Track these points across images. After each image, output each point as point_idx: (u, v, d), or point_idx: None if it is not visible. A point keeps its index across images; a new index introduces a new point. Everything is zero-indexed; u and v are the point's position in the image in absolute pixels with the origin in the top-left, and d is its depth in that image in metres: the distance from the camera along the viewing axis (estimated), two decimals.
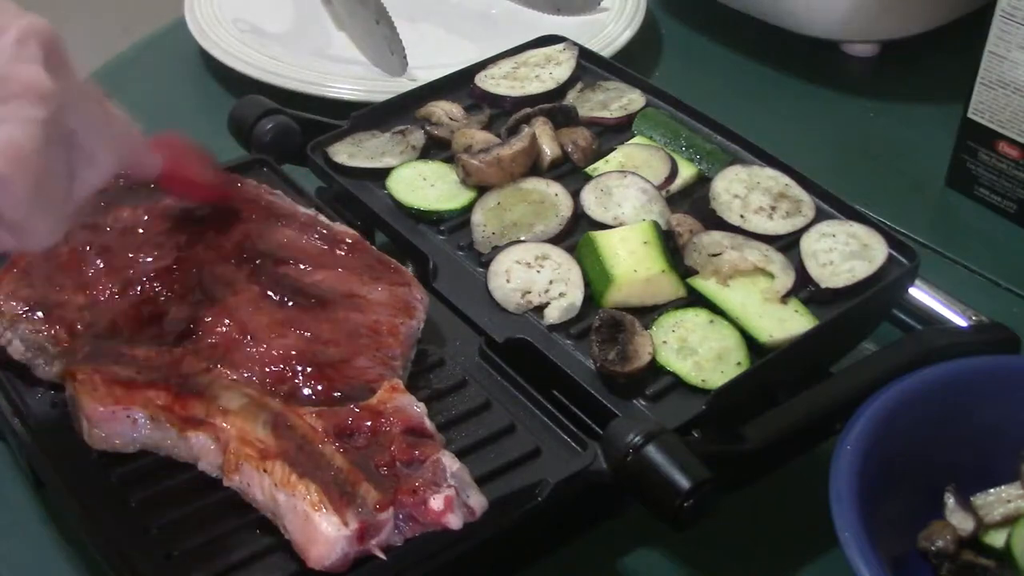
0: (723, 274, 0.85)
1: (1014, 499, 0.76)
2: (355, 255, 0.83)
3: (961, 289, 0.92)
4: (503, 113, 1.01)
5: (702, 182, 0.94)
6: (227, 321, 0.76)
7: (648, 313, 0.83)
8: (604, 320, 0.81)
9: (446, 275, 0.87)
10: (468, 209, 0.92)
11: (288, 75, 1.17)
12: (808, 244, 0.87)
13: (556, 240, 0.89)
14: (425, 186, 0.94)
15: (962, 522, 0.76)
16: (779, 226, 0.89)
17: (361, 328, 0.78)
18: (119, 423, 0.73)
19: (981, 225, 1.09)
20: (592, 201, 0.91)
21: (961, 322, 0.87)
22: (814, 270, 0.85)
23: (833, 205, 0.91)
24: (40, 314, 0.78)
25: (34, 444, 0.75)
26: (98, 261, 0.80)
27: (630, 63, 1.09)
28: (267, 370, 0.74)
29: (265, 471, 0.69)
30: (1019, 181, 1.06)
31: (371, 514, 0.66)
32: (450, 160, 0.96)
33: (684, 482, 0.68)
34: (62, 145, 0.63)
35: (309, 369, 0.74)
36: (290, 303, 0.78)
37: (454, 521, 0.67)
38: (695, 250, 0.87)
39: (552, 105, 1.00)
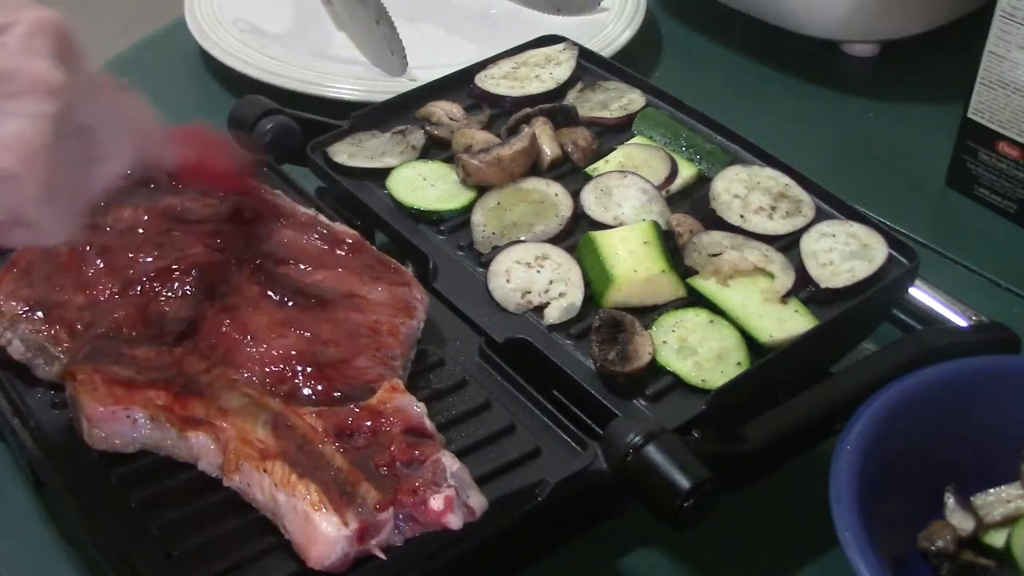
0: (723, 274, 0.85)
1: (1014, 499, 0.76)
2: (355, 255, 0.83)
3: (961, 289, 0.92)
4: (503, 113, 1.01)
5: (702, 182, 0.94)
6: (227, 321, 0.76)
7: (648, 313, 0.83)
8: (604, 320, 0.81)
9: (446, 275, 0.87)
10: (468, 209, 0.92)
11: (288, 75, 1.17)
12: (808, 244, 0.87)
13: (556, 240, 0.89)
14: (425, 186, 0.94)
15: (962, 522, 0.76)
16: (779, 226, 0.89)
17: (361, 328, 0.78)
18: (119, 423, 0.73)
19: (981, 225, 1.09)
20: (592, 201, 0.91)
21: (961, 322, 0.87)
22: (814, 270, 0.85)
23: (833, 205, 0.91)
24: (40, 314, 0.78)
25: (34, 444, 0.75)
26: (98, 261, 0.80)
27: (630, 63, 1.09)
28: (267, 370, 0.74)
29: (265, 471, 0.69)
30: (1019, 181, 1.06)
31: (371, 514, 0.66)
32: (450, 160, 0.96)
33: (684, 482, 0.68)
34: (75, 138, 0.63)
35: (309, 369, 0.74)
36: (290, 303, 0.78)
37: (454, 521, 0.67)
38: (695, 250, 0.87)
39: (552, 105, 1.00)
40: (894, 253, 0.86)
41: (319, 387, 0.73)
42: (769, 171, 0.94)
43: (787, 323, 0.82)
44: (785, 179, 0.93)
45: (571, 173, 0.96)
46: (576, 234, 0.90)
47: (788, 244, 0.88)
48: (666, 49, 1.33)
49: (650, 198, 0.91)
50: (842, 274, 0.85)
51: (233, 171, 0.81)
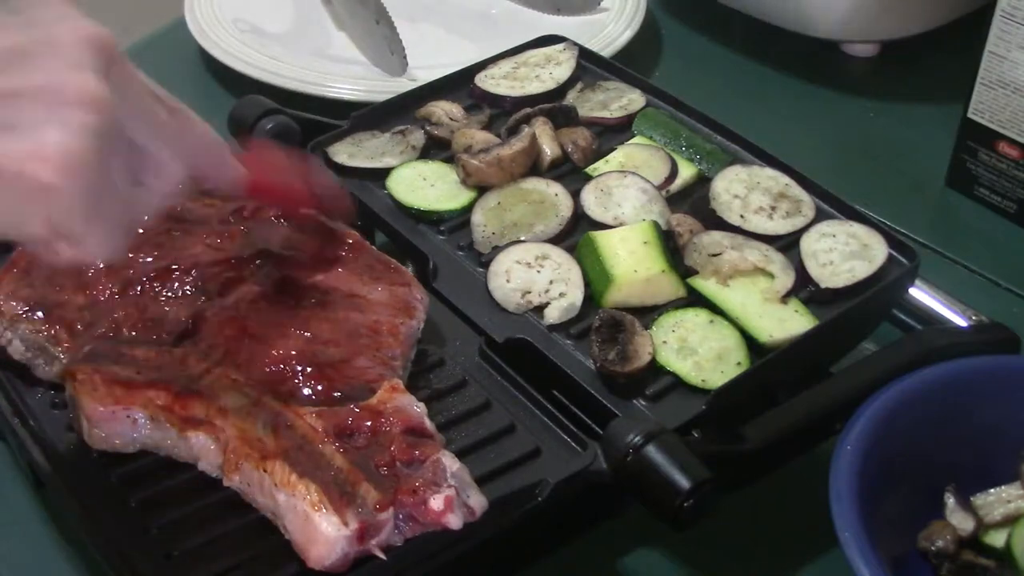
0: (723, 274, 0.85)
1: (1014, 499, 0.76)
2: (355, 255, 0.83)
3: (961, 289, 0.92)
4: (503, 113, 1.01)
5: (702, 182, 0.94)
6: (227, 321, 0.76)
7: (648, 313, 0.83)
8: (604, 320, 0.81)
9: (446, 275, 0.87)
10: (468, 209, 0.92)
11: (288, 75, 1.17)
12: (808, 244, 0.87)
13: (556, 240, 0.89)
14: (425, 186, 0.94)
15: (962, 522, 0.76)
16: (779, 226, 0.89)
17: (361, 328, 0.78)
18: (119, 423, 0.73)
19: (981, 225, 1.09)
20: (592, 201, 0.91)
21: (961, 322, 0.87)
22: (814, 270, 0.85)
23: (833, 205, 0.91)
24: (40, 314, 0.78)
25: (34, 444, 0.75)
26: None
27: (630, 63, 1.09)
28: (267, 370, 0.74)
29: (265, 471, 0.69)
30: (1019, 181, 1.06)
31: (371, 514, 0.66)
32: (450, 160, 0.96)
33: (684, 482, 0.68)
34: (121, 154, 0.61)
35: (309, 369, 0.74)
36: (290, 303, 0.78)
37: (454, 521, 0.67)
38: (695, 250, 0.87)
39: (552, 105, 1.00)
40: (894, 253, 0.86)
41: (319, 387, 0.73)
42: (769, 171, 0.94)
43: (787, 323, 0.82)
44: (785, 179, 0.93)
45: (571, 173, 0.96)
46: (576, 234, 0.90)
47: (788, 244, 0.88)
48: (666, 49, 1.33)
49: (650, 198, 0.91)
50: (842, 274, 0.85)
51: (304, 195, 0.79)
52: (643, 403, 0.78)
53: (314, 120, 1.00)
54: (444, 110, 1.01)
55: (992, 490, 0.77)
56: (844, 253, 0.86)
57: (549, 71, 1.05)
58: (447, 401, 0.79)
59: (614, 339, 0.79)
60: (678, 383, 0.79)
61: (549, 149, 0.96)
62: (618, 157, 0.96)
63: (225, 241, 0.82)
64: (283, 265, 0.81)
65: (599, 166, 0.96)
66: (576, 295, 0.84)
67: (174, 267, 0.80)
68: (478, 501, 0.69)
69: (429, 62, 1.19)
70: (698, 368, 0.79)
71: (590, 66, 1.07)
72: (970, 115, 1.07)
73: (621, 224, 0.88)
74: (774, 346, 0.80)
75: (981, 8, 1.07)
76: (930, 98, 1.24)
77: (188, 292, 0.79)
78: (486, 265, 0.87)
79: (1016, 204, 1.07)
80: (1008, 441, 0.78)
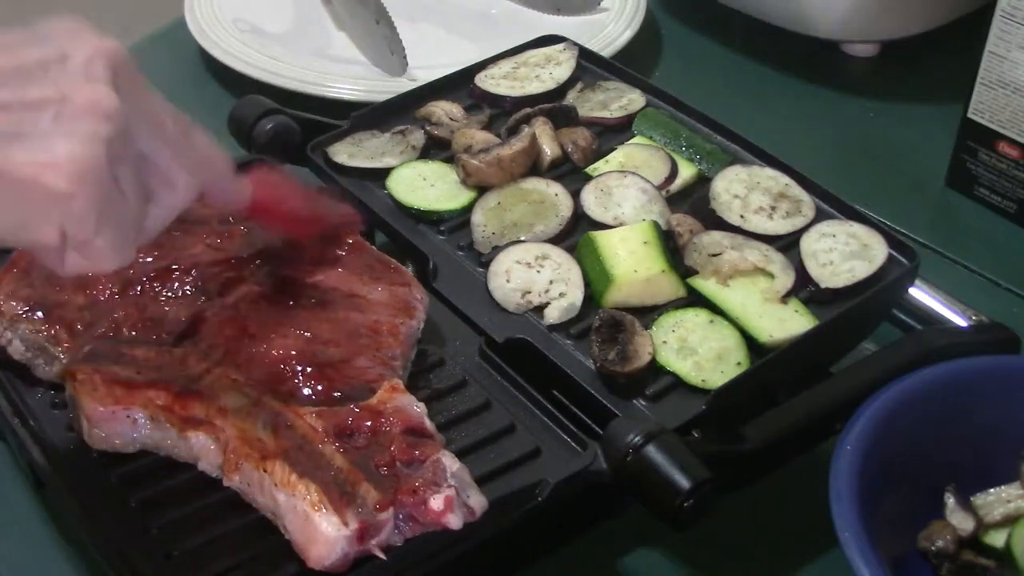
0: (723, 274, 0.85)
1: (1014, 499, 0.76)
2: (355, 255, 0.83)
3: (961, 289, 0.92)
4: (503, 113, 1.02)
5: (702, 182, 0.94)
6: (227, 321, 0.76)
7: (648, 313, 0.83)
8: (604, 320, 0.81)
9: (446, 275, 0.87)
10: (468, 209, 0.92)
11: (288, 75, 1.17)
12: (808, 244, 0.87)
13: (556, 240, 0.89)
14: (425, 186, 0.94)
15: (962, 522, 0.76)
16: (779, 226, 0.89)
17: (361, 328, 0.78)
18: (119, 423, 0.73)
19: (981, 225, 1.09)
20: (592, 201, 0.91)
21: (961, 322, 0.87)
22: (814, 270, 0.85)
23: (833, 205, 0.91)
24: (40, 314, 0.78)
25: (34, 444, 0.75)
26: None
27: (630, 63, 1.09)
28: (267, 370, 0.74)
29: (265, 471, 0.69)
30: (1019, 181, 1.06)
31: (371, 514, 0.66)
32: (450, 160, 0.96)
33: (684, 482, 0.68)
34: (132, 165, 0.62)
35: (309, 369, 0.74)
36: (290, 303, 0.78)
37: (454, 521, 0.68)
38: (695, 250, 0.87)
39: (552, 105, 1.00)
40: (894, 253, 0.86)
41: (319, 387, 0.73)
42: (769, 171, 0.94)
43: (787, 323, 0.82)
44: (785, 179, 0.93)
45: (571, 173, 0.96)
46: (576, 234, 0.90)
47: (788, 244, 0.88)
48: (666, 49, 1.33)
49: (650, 198, 0.91)
50: (842, 274, 0.85)
51: (307, 218, 0.79)
52: (643, 403, 0.78)
53: (314, 120, 1.00)
54: (444, 110, 1.01)
55: (992, 490, 0.77)
56: (844, 253, 0.86)
57: (549, 71, 1.05)
58: (447, 401, 0.79)
59: (614, 339, 0.79)
60: (678, 383, 0.79)
61: (549, 149, 0.96)
62: (618, 157, 0.96)
63: (225, 241, 0.82)
64: (283, 265, 0.81)
65: (599, 166, 0.96)
66: (576, 295, 0.84)
67: (174, 267, 0.80)
68: (478, 501, 0.69)
69: (429, 62, 1.19)
70: (698, 368, 0.79)
71: (590, 66, 1.07)
72: (970, 115, 1.07)
73: (621, 224, 0.88)
74: (774, 346, 0.80)
75: (981, 8, 1.07)
76: (930, 98, 1.24)
77: (188, 292, 0.79)
78: (486, 265, 0.87)
79: (1016, 204, 1.07)
80: (1008, 441, 0.78)
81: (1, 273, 0.80)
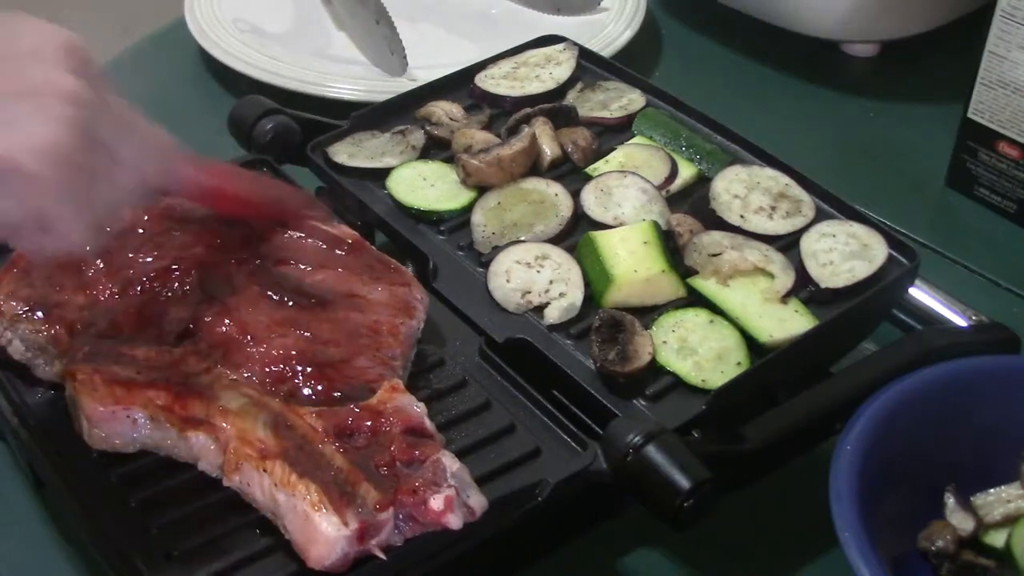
0: (723, 274, 0.85)
1: (1014, 499, 0.76)
2: (355, 255, 0.83)
3: (961, 289, 0.92)
4: (503, 113, 1.01)
5: (702, 182, 0.94)
6: (227, 321, 0.76)
7: (648, 313, 0.83)
8: (604, 320, 0.81)
9: (446, 275, 0.87)
10: (468, 209, 0.92)
11: (288, 75, 1.17)
12: (808, 244, 0.87)
13: (556, 240, 0.89)
14: (425, 186, 0.94)
15: (962, 522, 0.76)
16: (779, 226, 0.89)
17: (361, 328, 0.78)
18: (119, 423, 0.73)
19: (981, 225, 1.09)
20: (592, 201, 0.91)
21: (961, 322, 0.87)
22: (814, 270, 0.85)
23: (833, 205, 0.91)
24: (40, 314, 0.78)
25: (34, 444, 0.75)
26: (98, 261, 0.80)
27: (630, 63, 1.09)
28: (267, 370, 0.74)
29: (265, 471, 0.69)
30: (1019, 181, 1.06)
31: (371, 514, 0.66)
32: (450, 160, 0.96)
33: (684, 482, 0.68)
34: (95, 151, 0.65)
35: (309, 369, 0.74)
36: (290, 303, 0.78)
37: (454, 521, 0.68)
38: (695, 250, 0.87)
39: (552, 105, 1.00)
40: (894, 253, 0.86)
41: (319, 387, 0.73)
42: (769, 171, 0.94)
43: (787, 323, 0.82)
44: (785, 179, 0.93)
45: (571, 173, 0.96)
46: (576, 234, 0.90)
47: (788, 244, 0.88)
48: (666, 49, 1.33)
49: (650, 198, 0.91)
50: (842, 274, 0.85)
51: (257, 196, 0.81)
52: (643, 403, 0.78)
53: (314, 120, 1.00)
54: (444, 110, 1.01)
55: (992, 490, 0.77)
56: (844, 253, 0.86)
57: (549, 71, 1.05)
58: (447, 401, 0.79)
59: (614, 339, 0.79)
60: (678, 383, 0.79)
61: (549, 149, 0.96)
62: (618, 157, 0.96)
63: (225, 241, 0.82)
64: (283, 265, 0.81)
65: (599, 166, 0.96)
66: (576, 295, 0.84)
67: (174, 267, 0.80)
68: (478, 501, 0.69)
69: (429, 62, 1.19)
70: (698, 368, 0.79)
71: (590, 66, 1.07)
72: (970, 115, 1.07)
73: (621, 224, 0.88)
74: (774, 346, 0.80)
75: (981, 8, 1.07)
76: (930, 98, 1.24)
77: (188, 292, 0.79)
78: (486, 265, 0.87)
79: (1016, 204, 1.07)
80: (1008, 441, 0.78)
81: (1, 273, 0.80)
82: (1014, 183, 1.06)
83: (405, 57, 1.18)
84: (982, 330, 0.86)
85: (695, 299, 0.84)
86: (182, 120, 1.19)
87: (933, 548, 0.75)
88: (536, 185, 0.93)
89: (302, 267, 0.81)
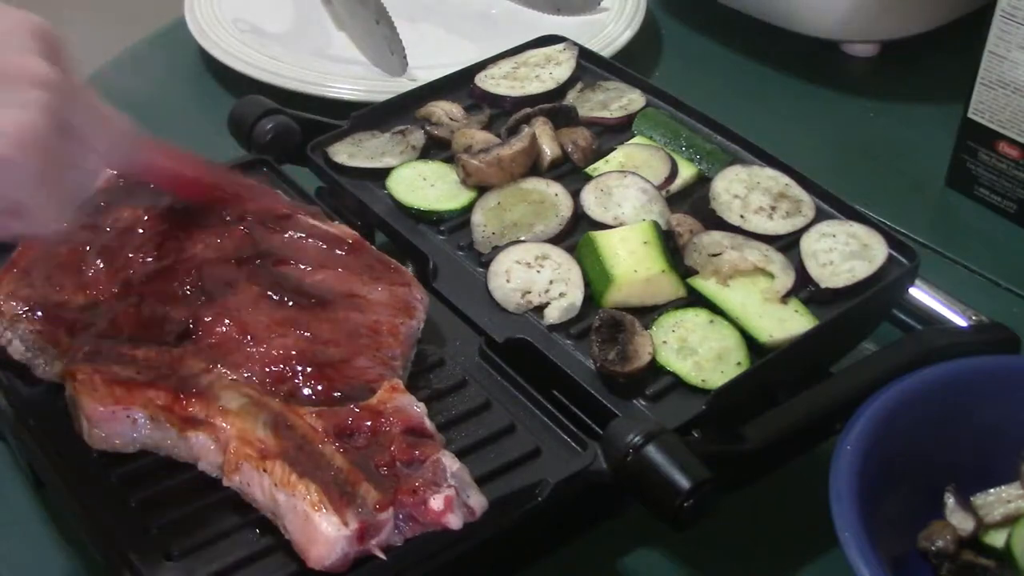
0: (723, 274, 0.85)
1: (1014, 499, 0.76)
2: (355, 255, 0.83)
3: (961, 289, 0.92)
4: (503, 113, 1.01)
5: (702, 182, 0.94)
6: (227, 321, 0.76)
7: (648, 313, 0.83)
8: (604, 320, 0.81)
9: (446, 275, 0.87)
10: (468, 209, 0.92)
11: (288, 75, 1.17)
12: (808, 244, 0.87)
13: (556, 240, 0.89)
14: (425, 186, 0.94)
15: (962, 522, 0.76)
16: (779, 226, 0.89)
17: (361, 328, 0.78)
18: (119, 423, 0.73)
19: (981, 225, 1.09)
20: (592, 201, 0.91)
21: (961, 322, 0.87)
22: (814, 270, 0.85)
23: (833, 205, 0.91)
24: (40, 314, 0.78)
25: (34, 444, 0.75)
26: (98, 261, 0.80)
27: (630, 63, 1.09)
28: (267, 370, 0.74)
29: (265, 471, 0.69)
30: (1019, 181, 1.06)
31: (371, 514, 0.66)
32: (450, 160, 0.96)
33: (684, 482, 0.68)
34: (63, 136, 0.65)
35: (309, 369, 0.74)
36: (290, 303, 0.78)
37: (454, 521, 0.67)
38: (695, 250, 0.87)
39: (552, 105, 1.00)
40: (894, 253, 0.86)
41: (319, 387, 0.73)
42: (769, 171, 0.94)
43: (787, 323, 0.82)
44: (785, 179, 0.93)
45: (571, 173, 0.96)
46: (576, 234, 0.90)
47: (788, 244, 0.88)
48: (666, 49, 1.33)
49: (650, 198, 0.91)
50: (842, 274, 0.85)
51: (200, 174, 0.82)
52: (643, 403, 0.78)
53: (314, 120, 1.00)
54: (444, 110, 1.01)
55: (992, 490, 0.77)
56: (844, 253, 0.86)
57: (549, 71, 1.05)
58: (447, 401, 0.79)
59: (614, 339, 0.79)
60: (678, 383, 0.79)
61: (549, 149, 0.96)
62: (618, 157, 0.96)
63: (225, 241, 0.82)
64: (283, 265, 0.81)
65: (599, 166, 0.96)
66: (576, 295, 0.84)
67: (174, 267, 0.80)
68: (478, 501, 0.69)
69: (429, 62, 1.19)
70: (698, 368, 0.79)
71: (590, 66, 1.07)
72: (970, 115, 1.07)
73: (621, 224, 0.88)
74: (774, 346, 0.80)
75: (981, 8, 1.07)
76: (930, 98, 1.24)
77: (188, 292, 0.79)
78: (486, 265, 0.87)
79: (1016, 204, 1.07)
80: (1008, 441, 0.78)
81: (1, 273, 0.80)
82: (1014, 183, 1.06)
83: (405, 57, 1.18)
84: (982, 330, 0.86)
85: (695, 299, 0.84)
86: (182, 120, 1.19)
87: (933, 548, 0.75)
88: (536, 185, 0.93)
89: (302, 267, 0.81)
